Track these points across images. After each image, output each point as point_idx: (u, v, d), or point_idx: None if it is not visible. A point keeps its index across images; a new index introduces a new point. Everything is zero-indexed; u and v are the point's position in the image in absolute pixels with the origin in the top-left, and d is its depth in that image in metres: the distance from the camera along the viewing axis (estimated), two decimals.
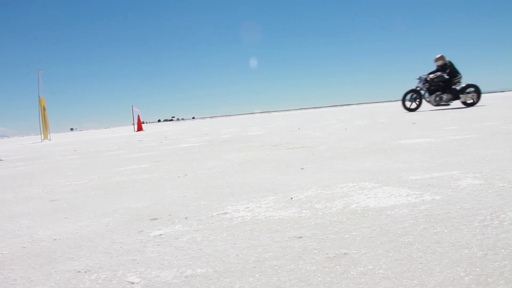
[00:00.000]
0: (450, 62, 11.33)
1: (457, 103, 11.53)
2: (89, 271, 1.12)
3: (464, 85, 11.18)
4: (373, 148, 3.30)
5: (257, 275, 0.98)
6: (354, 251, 1.07)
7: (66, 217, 1.81)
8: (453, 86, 11.21)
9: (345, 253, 1.06)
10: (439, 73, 11.26)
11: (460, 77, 11.24)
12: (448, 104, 11.39)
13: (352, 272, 0.94)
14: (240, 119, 33.93)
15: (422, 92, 11.49)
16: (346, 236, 1.21)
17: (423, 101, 11.49)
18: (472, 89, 11.20)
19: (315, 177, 2.24)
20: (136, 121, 20.47)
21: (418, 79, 11.47)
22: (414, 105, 11.52)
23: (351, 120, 9.73)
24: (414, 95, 11.52)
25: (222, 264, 1.07)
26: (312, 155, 3.25)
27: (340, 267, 0.98)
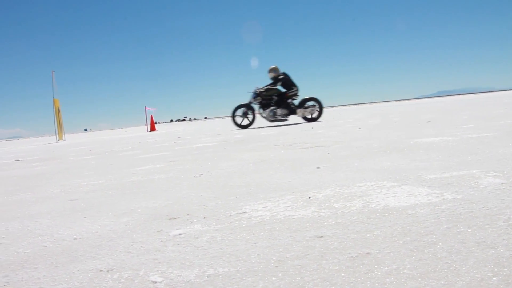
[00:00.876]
0: (284, 74, 10.58)
1: (299, 118, 10.86)
2: (111, 270, 1.12)
3: (304, 98, 10.52)
4: (389, 147, 3.27)
5: (279, 275, 0.97)
6: (377, 251, 1.06)
7: (85, 217, 1.83)
8: (290, 100, 10.51)
9: (367, 253, 1.05)
10: (270, 86, 10.52)
11: (296, 90, 10.53)
12: (285, 119, 10.57)
13: (376, 272, 0.93)
14: None
15: (256, 106, 10.66)
16: (368, 235, 1.20)
17: (259, 116, 10.71)
18: (312, 102, 10.54)
19: (332, 176, 2.22)
20: (149, 121, 20.61)
21: (252, 92, 10.60)
22: (246, 121, 10.60)
23: (364, 119, 9.67)
24: (246, 110, 10.60)
25: (244, 263, 1.07)
26: (327, 154, 3.23)
27: (363, 267, 0.97)
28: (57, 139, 17.36)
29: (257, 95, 10.48)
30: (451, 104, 10.79)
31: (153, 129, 20.11)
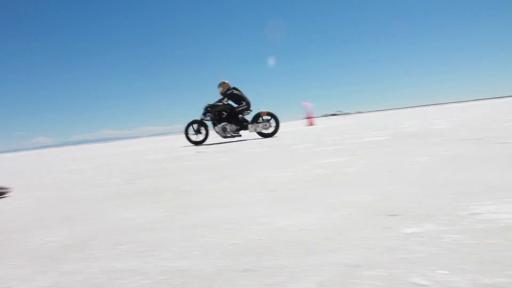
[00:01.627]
0: (234, 89, 10.33)
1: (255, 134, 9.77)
2: (360, 266, 1.09)
3: (258, 113, 10.20)
4: None
5: None
6: None
7: (296, 208, 1.86)
8: (240, 115, 10.28)
9: None
10: (218, 102, 10.34)
11: (246, 105, 10.23)
12: (238, 135, 10.40)
13: None
14: (412, 112, 32.07)
15: (209, 122, 10.51)
16: None
17: (212, 132, 9.76)
18: (266, 117, 10.19)
19: None
20: (308, 115, 20.96)
21: (203, 108, 10.45)
22: (200, 138, 10.45)
23: None
24: (198, 127, 10.42)
25: None
26: None
27: None
28: None
29: (206, 111, 10.51)
30: None
31: (311, 123, 20.40)
